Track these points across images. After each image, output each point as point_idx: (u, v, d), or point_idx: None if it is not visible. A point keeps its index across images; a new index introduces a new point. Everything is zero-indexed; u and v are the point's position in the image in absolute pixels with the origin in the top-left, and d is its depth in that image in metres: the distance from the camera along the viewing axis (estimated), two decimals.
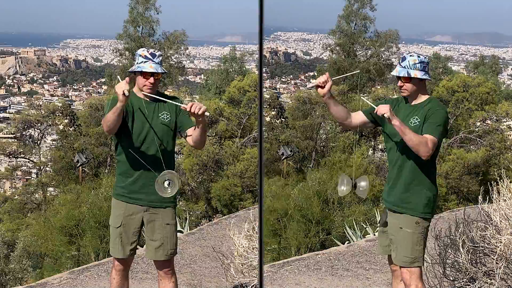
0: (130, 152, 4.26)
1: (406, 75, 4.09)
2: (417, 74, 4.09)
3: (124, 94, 3.95)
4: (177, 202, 4.45)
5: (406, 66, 4.11)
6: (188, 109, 4.03)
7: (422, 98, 4.17)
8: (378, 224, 4.54)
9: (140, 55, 4.26)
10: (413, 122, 4.10)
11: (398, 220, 4.16)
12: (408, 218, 4.11)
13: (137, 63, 4.25)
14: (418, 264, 4.14)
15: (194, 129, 4.22)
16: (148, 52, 4.26)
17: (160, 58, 4.28)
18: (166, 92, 4.60)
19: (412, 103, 4.19)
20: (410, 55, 4.15)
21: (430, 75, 4.20)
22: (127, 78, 4.04)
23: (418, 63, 4.09)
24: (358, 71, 4.76)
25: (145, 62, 4.22)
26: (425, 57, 4.17)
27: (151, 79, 4.23)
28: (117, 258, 4.44)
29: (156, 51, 4.31)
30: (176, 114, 4.35)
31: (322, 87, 4.15)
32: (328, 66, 31.52)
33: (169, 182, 4.04)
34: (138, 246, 4.57)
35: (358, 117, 4.35)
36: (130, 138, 4.24)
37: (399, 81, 4.16)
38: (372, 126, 4.44)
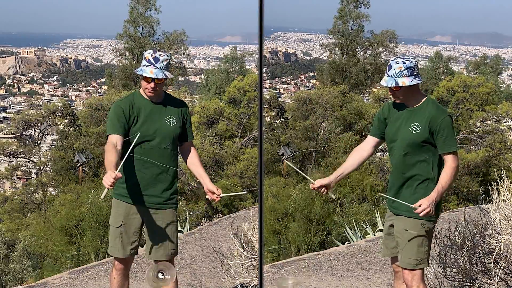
0: (134, 153, 4.26)
1: (394, 85, 3.98)
2: (405, 81, 3.97)
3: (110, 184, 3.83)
4: (178, 203, 4.44)
5: (393, 75, 3.99)
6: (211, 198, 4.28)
7: (419, 100, 4.09)
8: (382, 227, 4.53)
9: (144, 58, 4.24)
10: (414, 129, 4.04)
11: (403, 223, 4.14)
12: (413, 220, 4.09)
13: (141, 65, 4.25)
14: (423, 265, 4.14)
15: (196, 164, 4.42)
16: (152, 56, 4.22)
17: (165, 62, 4.23)
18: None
19: (410, 107, 4.11)
20: (396, 62, 3.99)
21: (420, 76, 4.06)
22: (118, 174, 3.88)
23: (404, 70, 3.96)
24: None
25: (147, 66, 4.21)
26: (411, 61, 4.00)
27: (152, 84, 4.24)
28: (117, 258, 4.44)
29: (162, 55, 4.24)
30: (183, 122, 4.39)
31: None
32: (327, 66, 31.52)
33: (162, 273, 3.55)
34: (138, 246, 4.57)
35: (370, 144, 4.32)
36: (134, 139, 4.22)
37: (389, 90, 4.09)
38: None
